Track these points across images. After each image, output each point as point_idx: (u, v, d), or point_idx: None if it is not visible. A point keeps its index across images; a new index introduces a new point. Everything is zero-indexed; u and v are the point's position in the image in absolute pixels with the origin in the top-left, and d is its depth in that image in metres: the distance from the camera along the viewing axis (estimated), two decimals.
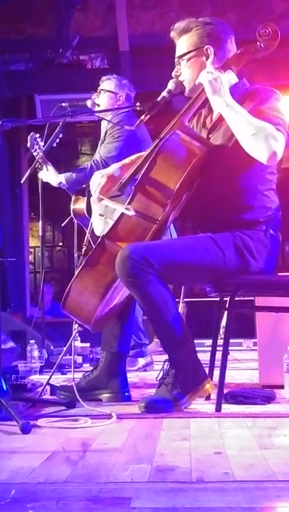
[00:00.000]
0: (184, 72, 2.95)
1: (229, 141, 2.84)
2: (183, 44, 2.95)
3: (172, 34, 2.97)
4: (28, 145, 4.47)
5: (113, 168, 3.09)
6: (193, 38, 2.92)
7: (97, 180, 3.03)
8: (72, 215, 4.43)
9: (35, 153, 4.46)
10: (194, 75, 2.90)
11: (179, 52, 2.96)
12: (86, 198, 4.33)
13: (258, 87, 2.91)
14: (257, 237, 2.82)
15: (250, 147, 2.69)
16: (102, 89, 4.44)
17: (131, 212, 2.75)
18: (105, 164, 4.17)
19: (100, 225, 4.18)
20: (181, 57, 2.95)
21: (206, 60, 2.90)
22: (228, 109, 2.74)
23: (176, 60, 2.97)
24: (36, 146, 4.44)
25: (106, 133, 4.34)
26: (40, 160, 4.44)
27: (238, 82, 2.92)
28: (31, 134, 4.47)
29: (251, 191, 2.84)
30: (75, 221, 4.60)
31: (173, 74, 2.96)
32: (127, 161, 3.14)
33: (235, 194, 2.85)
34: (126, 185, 2.96)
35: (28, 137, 4.47)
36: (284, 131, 2.70)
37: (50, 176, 4.43)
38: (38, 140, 4.45)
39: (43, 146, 4.44)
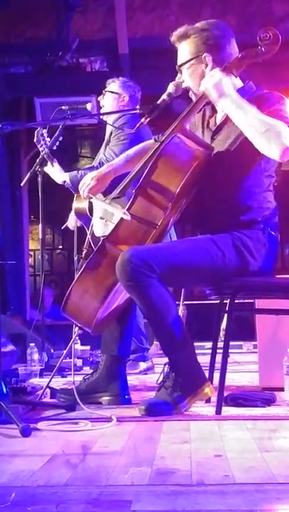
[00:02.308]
0: (186, 80, 2.95)
1: (232, 145, 2.84)
2: (182, 52, 2.95)
3: (172, 39, 2.97)
4: (35, 140, 4.46)
5: (104, 168, 3.12)
6: (191, 45, 2.92)
7: (86, 181, 3.07)
8: (73, 214, 4.43)
9: (41, 149, 4.44)
10: (196, 84, 2.90)
11: (179, 60, 2.96)
12: None
13: (265, 92, 2.91)
14: (255, 236, 2.83)
15: (262, 144, 2.67)
16: (106, 91, 4.45)
17: (126, 216, 2.76)
18: None
19: (100, 227, 4.19)
20: (181, 65, 2.95)
21: (205, 68, 2.90)
22: (238, 110, 2.72)
23: (177, 68, 2.97)
24: (42, 142, 4.43)
25: (111, 134, 4.35)
26: (45, 156, 4.43)
27: (245, 85, 2.92)
28: (38, 129, 4.45)
29: (250, 193, 2.85)
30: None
31: (176, 81, 2.96)
32: (116, 161, 3.17)
33: (234, 196, 2.85)
34: (127, 188, 2.97)
35: (35, 132, 4.46)
36: None
37: (55, 172, 4.42)
38: (45, 135, 4.44)
39: (50, 142, 4.43)
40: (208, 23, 2.97)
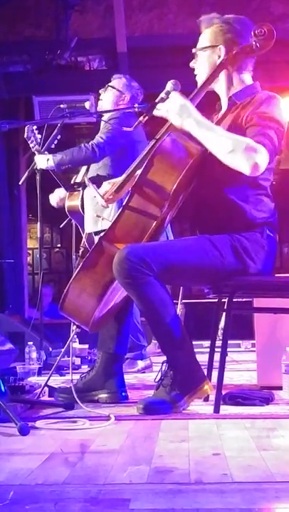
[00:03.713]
0: (198, 66, 2.97)
1: None
2: (203, 38, 2.97)
3: (199, 23, 2.99)
4: (25, 136, 4.45)
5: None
6: (211, 34, 2.94)
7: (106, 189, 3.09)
8: (66, 212, 4.44)
9: (31, 145, 4.44)
10: (205, 71, 2.93)
11: (198, 45, 2.98)
12: (81, 194, 4.34)
13: (261, 92, 2.91)
14: (254, 238, 2.82)
15: (231, 163, 2.69)
16: (109, 86, 4.45)
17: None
18: (95, 148, 4.19)
19: (91, 223, 4.20)
20: (198, 50, 2.97)
21: (218, 59, 2.90)
22: (201, 130, 2.73)
23: (193, 51, 2.98)
24: (33, 138, 4.42)
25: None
26: (36, 152, 4.43)
27: (251, 84, 2.92)
28: (28, 125, 4.45)
29: (246, 194, 2.83)
30: (73, 222, 4.61)
31: (190, 64, 2.97)
32: None
33: (230, 196, 2.83)
34: (123, 186, 2.97)
35: (26, 128, 4.45)
36: (266, 142, 2.70)
37: (40, 157, 4.40)
38: (36, 132, 4.43)
39: (40, 139, 4.42)
40: (234, 16, 2.98)
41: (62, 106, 4.28)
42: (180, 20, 6.83)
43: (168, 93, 2.94)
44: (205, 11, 6.49)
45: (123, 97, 4.42)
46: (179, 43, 6.52)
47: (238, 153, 2.65)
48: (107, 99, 4.42)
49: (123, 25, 6.88)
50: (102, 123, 4.35)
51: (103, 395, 3.05)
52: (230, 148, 2.67)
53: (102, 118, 4.36)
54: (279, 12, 6.81)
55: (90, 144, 4.26)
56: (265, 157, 2.67)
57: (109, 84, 4.47)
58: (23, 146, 7.69)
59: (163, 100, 2.93)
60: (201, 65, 2.96)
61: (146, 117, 2.95)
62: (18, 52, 7.11)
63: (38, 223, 4.80)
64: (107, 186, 3.22)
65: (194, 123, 2.74)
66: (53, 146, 4.45)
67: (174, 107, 2.77)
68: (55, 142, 4.45)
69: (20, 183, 4.92)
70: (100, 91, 4.47)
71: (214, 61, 2.92)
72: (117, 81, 4.47)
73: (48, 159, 4.32)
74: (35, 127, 4.46)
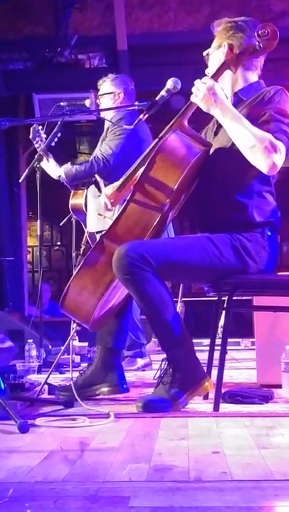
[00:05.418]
0: (209, 67, 2.96)
1: (228, 142, 2.84)
2: (213, 43, 2.96)
3: (213, 31, 2.98)
4: (31, 136, 4.45)
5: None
6: (218, 35, 2.94)
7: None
8: (70, 210, 4.44)
9: (36, 145, 4.44)
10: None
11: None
12: (85, 192, 4.33)
13: (269, 88, 2.90)
14: (255, 239, 2.82)
15: (250, 158, 2.72)
16: (100, 95, 4.44)
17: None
18: (106, 162, 4.18)
19: (94, 223, 4.20)
20: (207, 54, 2.97)
21: (223, 55, 2.89)
22: (225, 119, 2.75)
23: (204, 55, 2.98)
24: (38, 138, 4.42)
25: (107, 130, 4.34)
26: (41, 152, 4.43)
27: (255, 82, 2.93)
28: (34, 125, 4.45)
29: (248, 193, 2.83)
30: (73, 220, 4.61)
31: (206, 71, 2.96)
32: None
33: (232, 195, 2.83)
34: (125, 184, 2.97)
35: (31, 129, 4.45)
36: (284, 138, 2.71)
37: (50, 167, 4.41)
38: (41, 132, 4.43)
39: (45, 139, 4.43)
40: (242, 18, 2.97)
41: (62, 104, 4.28)
42: (180, 18, 6.83)
43: (168, 91, 2.94)
44: (205, 8, 6.53)
45: (117, 94, 4.40)
46: (179, 41, 6.53)
47: (259, 151, 2.68)
48: (107, 106, 4.39)
49: (123, 23, 6.87)
50: (108, 124, 4.33)
51: (105, 389, 3.06)
52: (252, 143, 2.69)
53: (106, 117, 4.35)
54: (279, 9, 6.80)
55: (100, 155, 4.23)
56: (283, 156, 2.71)
57: (99, 93, 4.45)
58: (22, 143, 7.69)
59: (163, 98, 2.93)
60: (212, 67, 2.95)
61: (147, 115, 2.95)
62: (18, 49, 7.10)
63: (38, 221, 4.79)
64: (108, 190, 3.22)
65: (219, 111, 2.76)
66: (53, 143, 4.45)
67: (201, 93, 2.77)
68: (55, 140, 4.45)
69: (20, 180, 4.92)
70: (98, 102, 4.45)
71: (220, 58, 2.91)
72: (104, 85, 4.44)
73: (59, 175, 4.32)
74: (40, 127, 4.46)
